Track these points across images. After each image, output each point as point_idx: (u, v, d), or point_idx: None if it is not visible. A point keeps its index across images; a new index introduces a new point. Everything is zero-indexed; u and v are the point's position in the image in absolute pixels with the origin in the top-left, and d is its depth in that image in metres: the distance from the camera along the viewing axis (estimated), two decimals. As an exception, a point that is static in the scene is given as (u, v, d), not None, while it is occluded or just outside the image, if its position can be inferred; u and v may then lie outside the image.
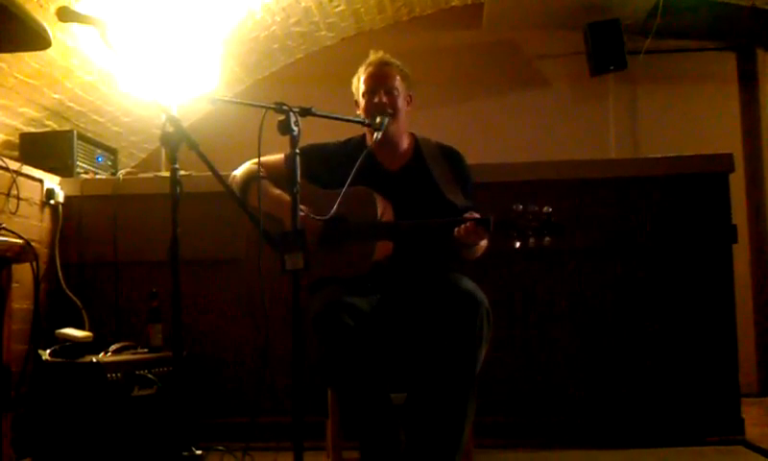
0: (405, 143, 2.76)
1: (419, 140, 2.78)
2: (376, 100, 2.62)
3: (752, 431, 3.41)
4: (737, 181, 4.13)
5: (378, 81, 2.66)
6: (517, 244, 2.28)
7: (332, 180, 2.50)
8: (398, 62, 2.74)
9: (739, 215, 4.18)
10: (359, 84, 2.71)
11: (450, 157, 2.75)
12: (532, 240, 2.26)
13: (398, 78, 2.69)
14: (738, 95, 5.24)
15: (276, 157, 2.65)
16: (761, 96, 5.19)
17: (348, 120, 2.53)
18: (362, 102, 2.69)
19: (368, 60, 2.73)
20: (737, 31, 5.18)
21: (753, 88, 5.22)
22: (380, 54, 2.74)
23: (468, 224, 2.33)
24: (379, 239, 2.49)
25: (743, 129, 5.19)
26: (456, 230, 2.35)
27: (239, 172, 2.72)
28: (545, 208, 2.27)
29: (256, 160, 2.59)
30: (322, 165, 2.65)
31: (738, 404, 3.43)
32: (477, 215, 2.35)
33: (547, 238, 2.26)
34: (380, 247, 2.49)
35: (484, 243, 2.53)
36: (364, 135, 2.77)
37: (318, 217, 2.37)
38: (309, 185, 2.56)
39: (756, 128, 5.18)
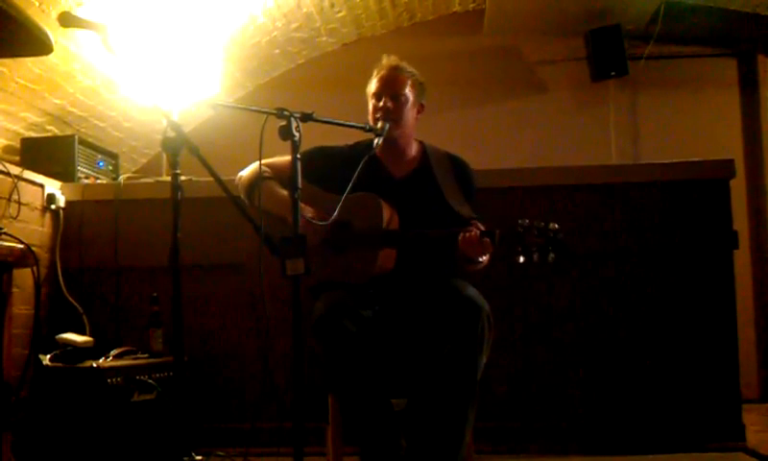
0: (412, 151, 2.75)
1: (426, 148, 2.77)
2: (381, 105, 2.61)
3: (752, 437, 3.40)
4: (738, 187, 4.13)
5: (386, 85, 2.64)
6: (521, 259, 2.26)
7: (339, 183, 2.48)
8: (412, 69, 2.71)
9: (740, 221, 4.17)
10: (369, 85, 2.70)
11: (457, 166, 2.74)
12: (536, 256, 2.25)
13: (409, 84, 2.65)
14: (739, 101, 5.25)
15: (284, 158, 2.61)
16: (762, 102, 5.20)
17: (348, 125, 2.52)
18: (369, 105, 2.68)
19: (381, 64, 2.71)
20: (738, 37, 5.19)
21: (754, 94, 5.22)
22: (393, 58, 2.71)
23: (473, 233, 2.32)
24: (383, 247, 2.49)
25: (744, 134, 5.20)
26: (461, 236, 2.34)
27: (246, 172, 2.72)
28: (552, 225, 2.25)
29: (264, 162, 2.60)
30: (328, 168, 2.64)
31: (739, 410, 3.42)
32: (483, 227, 2.34)
33: (551, 255, 2.24)
34: (383, 256, 2.48)
35: (485, 259, 2.51)
36: (372, 140, 2.77)
37: (321, 221, 2.36)
38: (315, 188, 2.56)
39: (756, 134, 5.18)
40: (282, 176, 2.60)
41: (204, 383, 3.51)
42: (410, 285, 2.53)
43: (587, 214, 3.53)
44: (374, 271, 2.46)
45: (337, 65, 5.31)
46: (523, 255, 2.25)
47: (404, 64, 2.71)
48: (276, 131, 2.10)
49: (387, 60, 2.71)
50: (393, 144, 2.65)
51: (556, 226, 2.25)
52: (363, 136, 2.73)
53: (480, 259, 2.43)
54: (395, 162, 2.71)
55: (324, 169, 2.63)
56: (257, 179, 2.61)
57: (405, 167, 2.72)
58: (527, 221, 2.26)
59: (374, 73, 2.70)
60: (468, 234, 2.33)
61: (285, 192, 2.57)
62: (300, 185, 2.10)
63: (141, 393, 3.02)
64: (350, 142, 2.79)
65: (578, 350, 3.49)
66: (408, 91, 2.65)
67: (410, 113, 2.66)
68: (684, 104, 5.20)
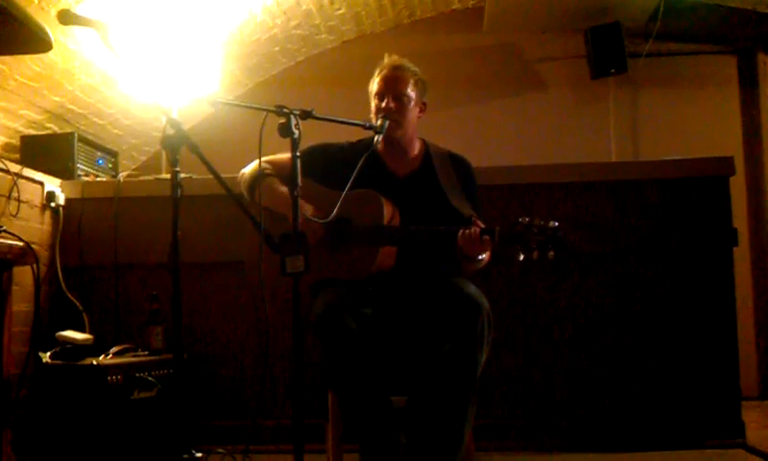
0: (415, 149, 2.75)
1: (429, 147, 2.77)
2: (384, 105, 2.61)
3: (752, 434, 3.41)
4: (738, 185, 4.13)
5: (389, 85, 2.64)
6: (521, 256, 2.27)
7: (340, 180, 2.48)
8: (415, 68, 2.71)
9: (740, 218, 4.18)
10: (372, 83, 2.70)
11: (459, 165, 2.74)
12: (536, 254, 2.26)
13: (411, 83, 2.66)
14: (739, 98, 5.24)
15: (285, 155, 2.61)
16: (762, 99, 5.19)
17: (348, 123, 2.52)
18: (372, 104, 2.69)
19: (383, 63, 2.71)
20: (738, 34, 5.18)
21: (753, 91, 5.22)
22: (396, 58, 2.71)
23: (472, 231, 2.32)
24: (384, 244, 2.49)
25: (744, 132, 5.19)
26: (461, 234, 2.34)
27: (247, 169, 2.73)
28: (551, 223, 2.26)
29: (265, 159, 2.61)
30: (330, 165, 2.65)
31: (739, 407, 3.43)
32: (482, 225, 2.35)
33: (551, 252, 2.25)
34: (383, 253, 2.49)
35: (486, 258, 2.52)
36: (374, 137, 2.77)
37: (322, 219, 2.36)
38: (316, 185, 2.56)
39: (756, 131, 5.18)
40: (283, 172, 2.60)
41: (204, 381, 3.52)
42: (410, 283, 2.53)
43: (586, 212, 3.53)
44: (373, 267, 2.46)
45: (337, 63, 5.31)
46: (523, 253, 2.26)
47: (407, 63, 2.71)
48: (275, 128, 2.10)
49: (389, 60, 2.71)
50: (395, 143, 2.66)
51: (555, 223, 2.26)
52: (365, 134, 2.73)
53: (480, 258, 2.44)
54: (397, 161, 2.71)
55: (325, 166, 2.64)
56: (258, 176, 2.62)
57: (407, 166, 2.72)
58: (527, 219, 2.27)
59: (377, 72, 2.70)
60: (467, 232, 2.33)
61: (286, 189, 2.58)
62: (299, 183, 2.10)
63: (141, 390, 3.02)
64: (353, 140, 2.80)
65: (578, 348, 3.50)
66: (410, 91, 2.65)
67: (412, 113, 2.67)
68: (684, 101, 5.20)
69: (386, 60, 2.72)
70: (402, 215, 2.55)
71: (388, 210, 2.51)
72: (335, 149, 2.75)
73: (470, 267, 2.51)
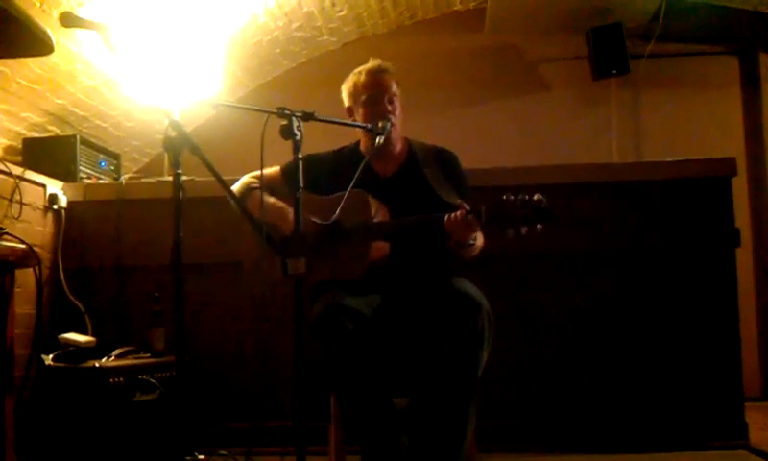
0: (398, 148, 2.76)
1: (412, 144, 2.78)
2: (381, 107, 2.62)
3: (755, 436, 3.40)
4: (740, 185, 4.12)
5: (380, 89, 2.65)
6: (510, 233, 2.25)
7: (327, 189, 2.52)
8: (392, 68, 2.73)
9: (742, 219, 4.17)
10: (356, 89, 2.69)
11: (444, 158, 2.75)
12: (524, 229, 2.23)
13: (395, 84, 2.69)
14: (741, 99, 5.24)
15: (271, 170, 2.68)
16: (764, 99, 5.19)
17: (350, 125, 2.53)
18: (361, 110, 2.67)
19: (366, 67, 2.71)
20: (740, 34, 5.18)
21: (755, 92, 5.22)
22: (378, 61, 2.73)
23: (458, 213, 2.31)
24: (374, 240, 2.49)
25: (746, 132, 5.19)
26: (447, 219, 2.33)
27: (235, 187, 2.72)
28: (536, 196, 2.24)
29: (253, 174, 2.68)
30: (316, 175, 2.64)
31: (742, 408, 3.42)
32: (467, 207, 2.33)
33: (539, 225, 2.23)
34: (375, 248, 2.49)
35: (479, 242, 2.51)
36: (358, 143, 2.78)
37: (315, 221, 2.37)
38: (304, 193, 2.56)
39: (758, 131, 5.18)
40: (271, 187, 2.66)
41: (205, 382, 3.51)
42: (408, 282, 2.53)
43: (588, 213, 3.53)
44: (367, 264, 2.46)
45: (338, 64, 5.23)
46: (512, 229, 2.24)
47: (386, 63, 2.73)
48: (277, 130, 2.10)
49: (373, 63, 2.72)
50: (387, 143, 2.65)
51: (540, 196, 2.24)
52: (350, 140, 2.75)
53: (471, 242, 2.43)
54: (382, 162, 2.70)
55: (312, 176, 2.62)
56: (247, 190, 2.68)
57: (392, 165, 2.73)
58: (512, 196, 2.25)
59: (360, 77, 2.70)
60: (452, 215, 2.33)
61: (274, 199, 2.62)
62: (301, 185, 2.11)
63: (143, 393, 3.02)
64: (336, 147, 2.81)
65: (580, 348, 3.49)
66: (396, 90, 2.68)
67: (401, 112, 2.69)
68: (686, 102, 5.20)
69: (369, 64, 2.72)
70: (392, 213, 2.54)
71: (375, 207, 2.51)
72: (318, 159, 2.75)
73: (466, 254, 2.50)
